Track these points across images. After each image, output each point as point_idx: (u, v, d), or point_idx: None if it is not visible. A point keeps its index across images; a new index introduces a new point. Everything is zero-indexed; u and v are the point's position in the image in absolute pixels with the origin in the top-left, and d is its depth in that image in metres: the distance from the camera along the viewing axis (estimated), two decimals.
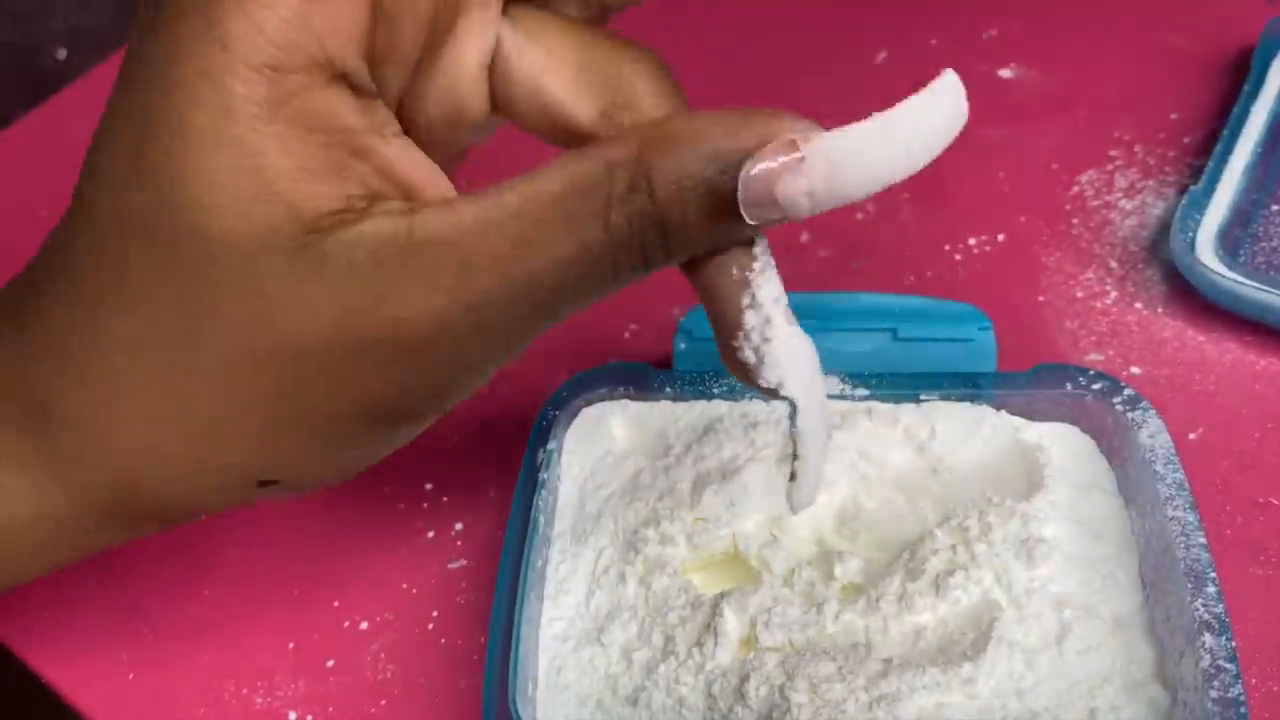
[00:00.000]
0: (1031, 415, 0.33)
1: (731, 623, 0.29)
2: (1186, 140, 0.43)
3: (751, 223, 0.21)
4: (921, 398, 0.33)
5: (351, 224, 0.21)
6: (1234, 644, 0.27)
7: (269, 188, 0.20)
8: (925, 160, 0.21)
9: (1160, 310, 0.38)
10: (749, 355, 0.23)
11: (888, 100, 0.20)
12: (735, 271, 0.22)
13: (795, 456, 0.24)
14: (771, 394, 0.23)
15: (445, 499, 0.35)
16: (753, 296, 0.23)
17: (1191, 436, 0.35)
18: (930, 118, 0.21)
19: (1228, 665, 0.27)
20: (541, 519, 0.31)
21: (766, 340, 0.23)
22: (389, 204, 0.21)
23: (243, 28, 0.20)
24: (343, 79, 0.21)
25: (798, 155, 0.20)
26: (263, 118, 0.20)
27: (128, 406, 0.23)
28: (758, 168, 0.20)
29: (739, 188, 0.20)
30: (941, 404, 0.33)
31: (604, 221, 0.20)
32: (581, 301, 0.22)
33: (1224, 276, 0.36)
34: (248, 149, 0.20)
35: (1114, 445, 0.32)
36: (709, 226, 0.21)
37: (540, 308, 0.21)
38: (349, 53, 0.21)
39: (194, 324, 0.22)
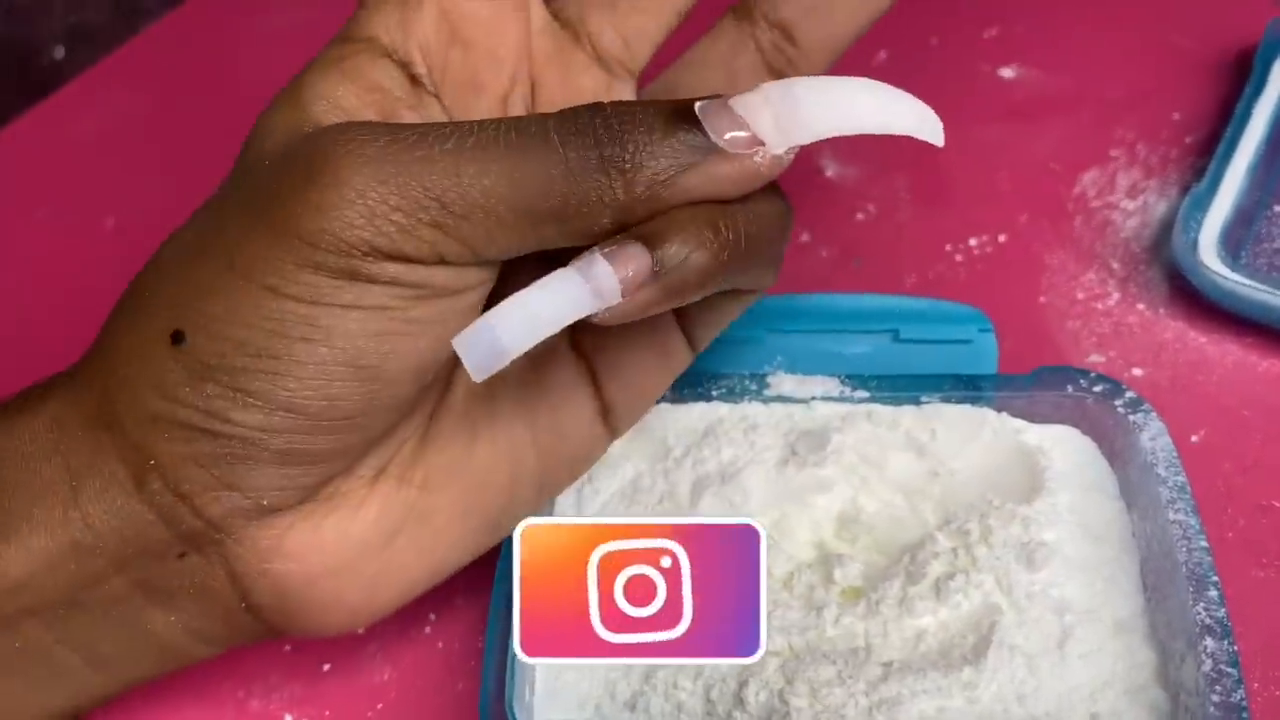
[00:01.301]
0: (1032, 418, 0.33)
1: None
2: (1188, 140, 0.43)
3: (714, 136, 0.22)
4: (922, 400, 0.33)
5: None
6: (1236, 648, 0.27)
7: (298, 98, 0.24)
8: (877, 116, 0.22)
9: (1162, 311, 0.38)
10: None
11: None
12: None
13: None
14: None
15: None
16: None
17: (1193, 439, 0.34)
18: (887, 92, 0.22)
19: (1229, 669, 0.27)
20: None
21: None
22: None
23: (347, 23, 0.26)
24: (398, 62, 0.25)
25: (755, 87, 0.22)
26: (323, 64, 0.25)
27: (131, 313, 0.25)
28: (716, 98, 0.22)
29: (696, 109, 0.22)
30: (942, 406, 0.33)
31: (549, 114, 0.23)
32: (512, 197, 0.22)
33: (1226, 278, 0.36)
34: (302, 80, 0.25)
35: (1115, 448, 0.32)
36: (666, 127, 0.22)
37: (452, 181, 0.22)
38: (409, 44, 0.25)
39: (221, 215, 0.24)
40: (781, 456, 0.32)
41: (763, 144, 0.22)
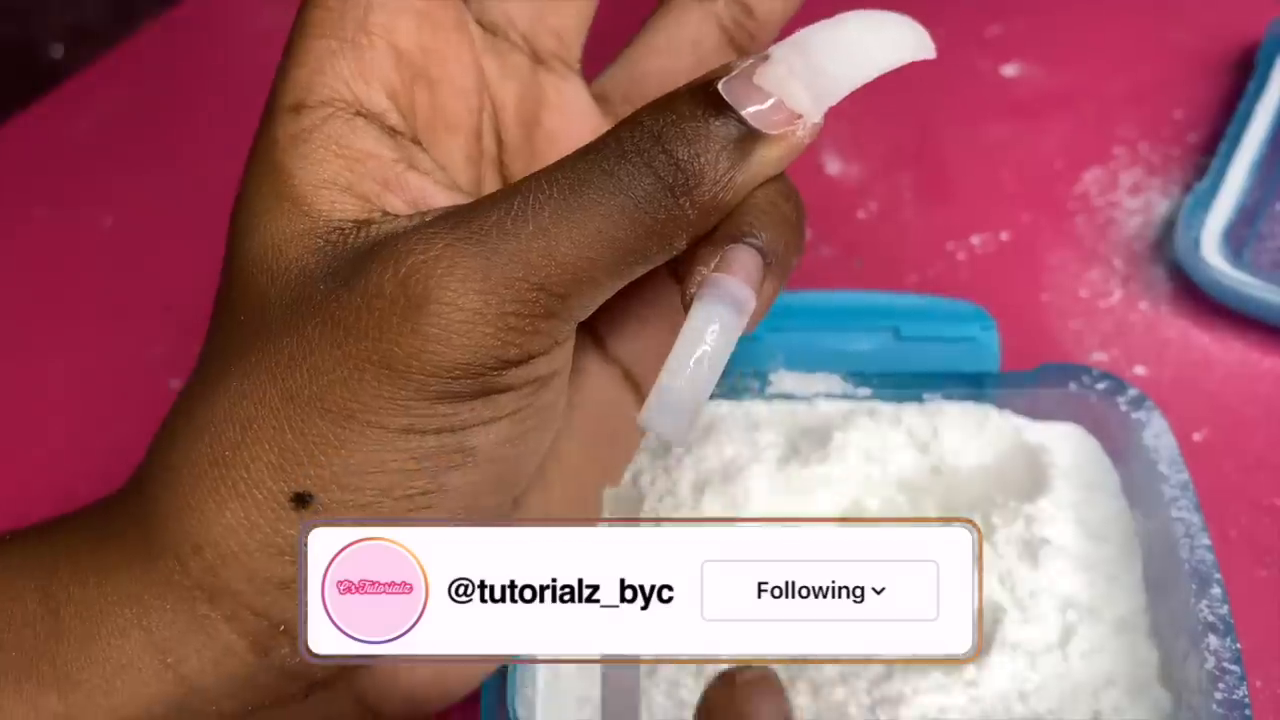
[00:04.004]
0: (1035, 415, 0.33)
1: None
2: (1191, 138, 0.43)
3: (753, 122, 0.21)
4: (924, 397, 0.33)
5: (375, 225, 0.22)
6: (1239, 646, 0.27)
7: (293, 194, 0.22)
8: (889, 54, 0.22)
9: (1165, 309, 0.38)
10: None
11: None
12: None
13: None
14: None
15: None
16: None
17: (1196, 437, 0.34)
18: (881, 21, 0.22)
19: (1232, 667, 0.26)
20: None
21: None
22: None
23: (282, 86, 0.23)
24: (371, 117, 0.23)
25: (763, 55, 0.21)
26: (292, 145, 0.22)
27: (173, 439, 0.22)
28: (733, 72, 0.21)
29: (721, 90, 0.21)
30: (945, 404, 0.33)
31: (596, 150, 0.21)
32: (605, 256, 0.21)
33: (1229, 275, 0.36)
34: (277, 169, 0.22)
35: (1118, 445, 0.32)
36: (704, 125, 0.21)
37: (552, 265, 0.20)
38: (374, 93, 0.23)
39: (231, 341, 0.22)
40: (783, 454, 0.32)
41: (800, 116, 0.21)
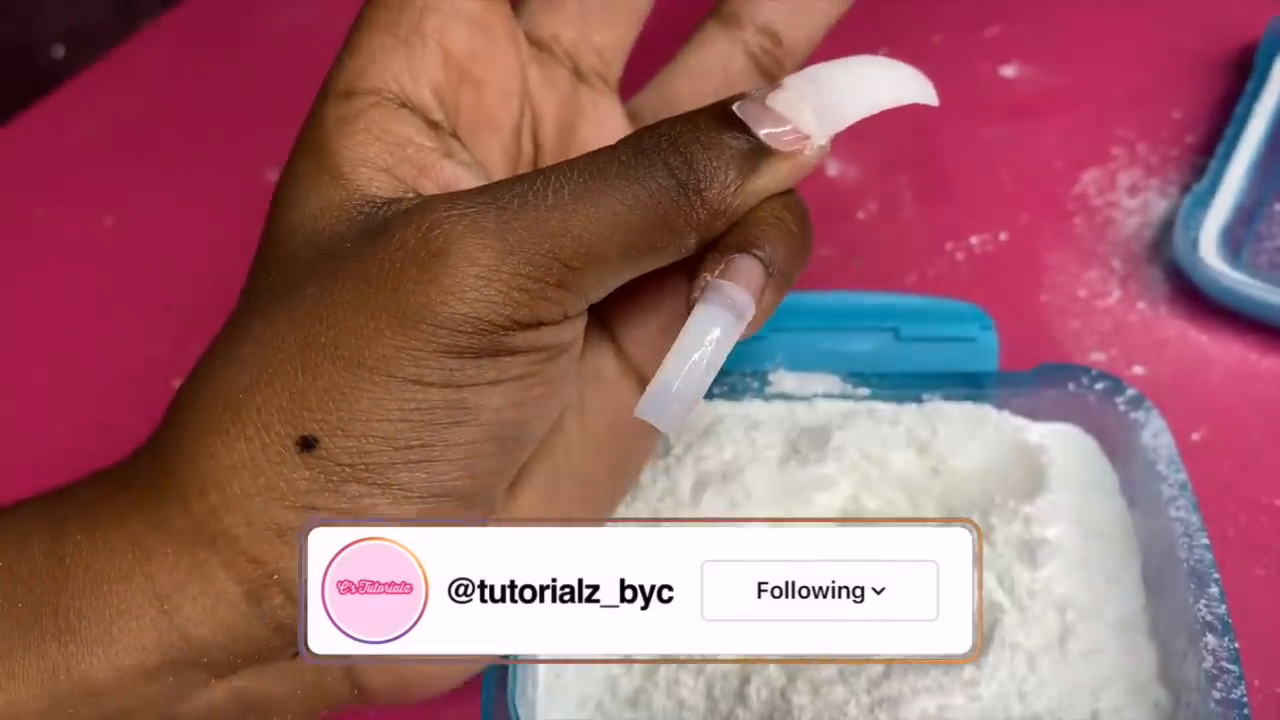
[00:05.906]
0: (1034, 415, 0.33)
1: None
2: (1189, 139, 0.43)
3: (764, 137, 0.22)
4: (923, 398, 0.33)
5: (406, 203, 0.23)
6: (1237, 645, 0.27)
7: (334, 169, 0.23)
8: (892, 92, 0.24)
9: (1163, 310, 0.38)
10: None
11: None
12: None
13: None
14: None
15: None
16: None
17: (1194, 437, 0.34)
18: (889, 65, 0.24)
19: (1231, 667, 0.26)
20: None
21: None
22: None
23: (335, 73, 0.25)
24: (415, 109, 0.24)
25: (778, 83, 0.23)
26: (337, 126, 0.24)
27: (191, 386, 0.23)
28: (749, 97, 0.23)
29: (736, 110, 0.23)
30: (943, 404, 0.33)
31: (616, 147, 0.23)
32: (618, 238, 0.22)
33: (1227, 276, 0.36)
34: (322, 147, 0.24)
35: (1117, 445, 0.32)
36: (719, 138, 0.22)
37: (567, 237, 0.22)
38: (420, 88, 0.24)
39: (259, 297, 0.23)
40: (783, 454, 0.32)
41: (808, 137, 0.23)
